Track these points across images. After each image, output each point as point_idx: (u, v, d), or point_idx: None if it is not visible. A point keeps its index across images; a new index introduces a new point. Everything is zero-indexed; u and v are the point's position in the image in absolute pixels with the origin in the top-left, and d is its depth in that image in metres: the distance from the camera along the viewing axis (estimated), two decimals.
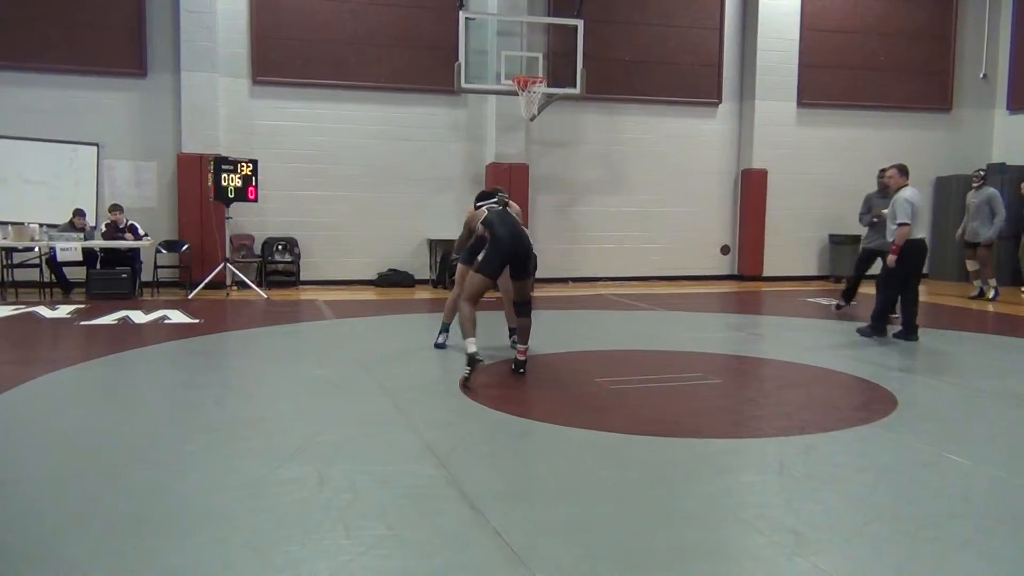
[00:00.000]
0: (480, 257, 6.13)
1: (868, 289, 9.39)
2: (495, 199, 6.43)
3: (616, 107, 13.33)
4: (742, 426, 4.84)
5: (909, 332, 7.62)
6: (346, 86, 12.28)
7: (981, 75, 14.67)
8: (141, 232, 10.80)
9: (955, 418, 5.05)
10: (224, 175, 10.79)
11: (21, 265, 10.67)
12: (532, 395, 5.65)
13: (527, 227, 12.05)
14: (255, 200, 11.12)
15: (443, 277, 12.03)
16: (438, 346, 7.03)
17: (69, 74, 11.32)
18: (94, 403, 5.47)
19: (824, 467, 3.99)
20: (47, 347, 7.50)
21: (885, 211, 8.05)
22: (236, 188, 10.86)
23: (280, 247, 12.13)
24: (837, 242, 13.94)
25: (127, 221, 10.81)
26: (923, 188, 12.32)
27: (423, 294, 11.76)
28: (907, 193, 7.46)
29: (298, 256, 12.18)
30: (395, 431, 4.55)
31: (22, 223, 10.42)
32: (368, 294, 11.70)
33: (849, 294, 9.62)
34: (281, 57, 12.02)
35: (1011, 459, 4.14)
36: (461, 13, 11.33)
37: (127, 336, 7.79)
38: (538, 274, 12.27)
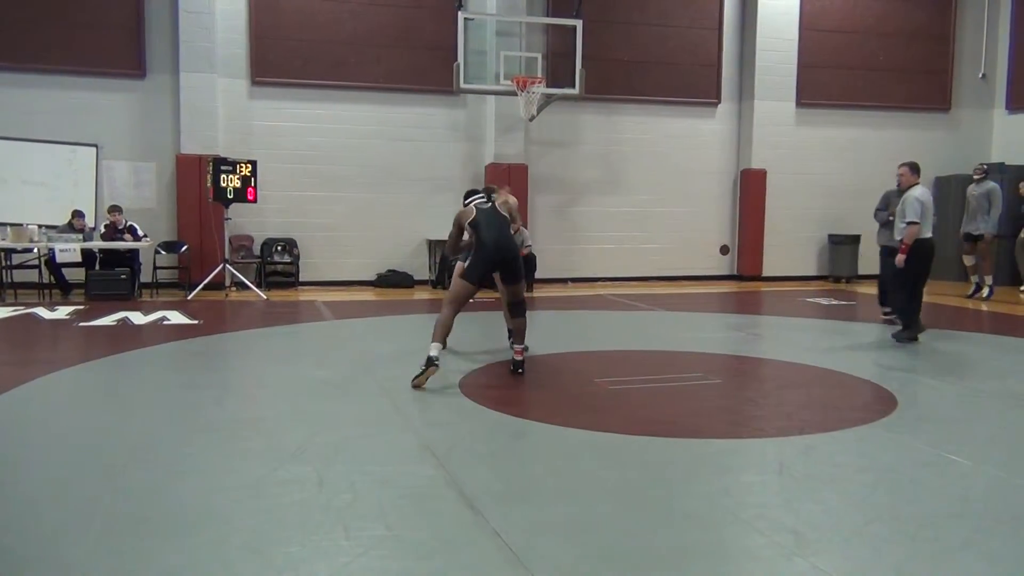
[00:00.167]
0: (466, 263, 6.07)
1: (875, 289, 9.38)
2: (481, 195, 6.34)
3: (615, 107, 13.33)
4: (742, 426, 4.84)
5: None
6: (345, 86, 12.27)
7: (980, 75, 14.68)
8: (140, 233, 10.79)
9: (955, 418, 5.05)
10: (223, 176, 10.79)
11: (20, 266, 10.66)
12: (531, 395, 5.65)
13: (526, 226, 12.20)
14: (254, 201, 11.11)
15: (442, 277, 12.02)
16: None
17: (68, 75, 11.31)
18: (93, 404, 5.46)
19: (824, 467, 3.99)
20: (46, 348, 7.49)
21: None
22: (235, 189, 10.86)
23: (279, 248, 12.13)
24: (836, 242, 13.95)
25: (126, 222, 10.80)
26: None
27: (422, 295, 11.76)
28: (917, 192, 7.40)
29: (297, 257, 12.18)
30: (394, 432, 4.54)
31: (21, 224, 10.40)
32: (367, 295, 11.70)
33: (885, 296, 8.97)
34: (280, 58, 12.02)
35: (1011, 459, 4.14)
36: (460, 13, 11.34)
37: (126, 337, 7.78)
38: (537, 274, 12.40)
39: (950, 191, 13.99)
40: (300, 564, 2.83)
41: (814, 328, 8.85)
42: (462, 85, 11.47)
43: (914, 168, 7.63)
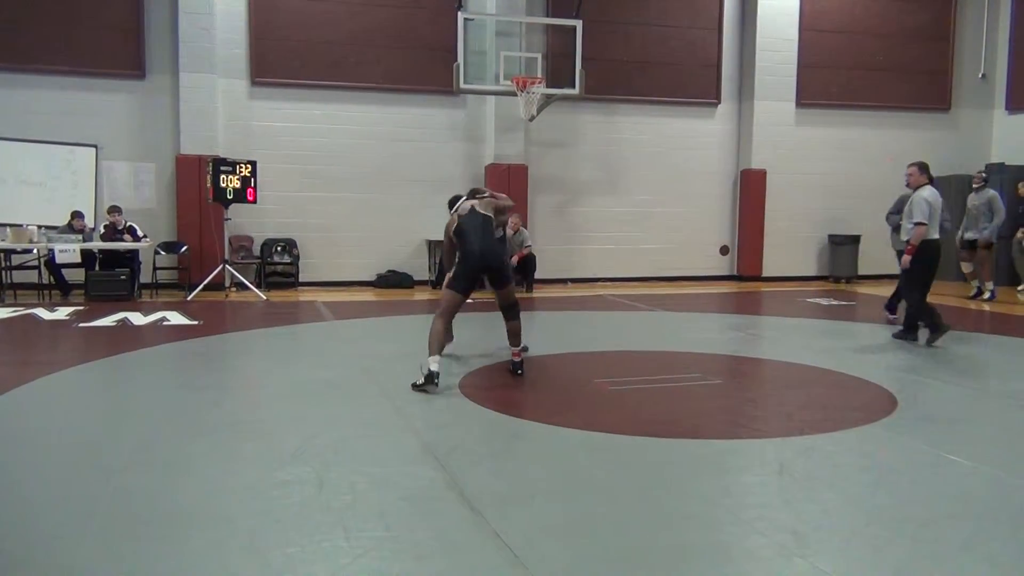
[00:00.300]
0: (451, 274, 6.07)
1: (875, 289, 9.39)
2: (463, 198, 6.29)
3: (615, 107, 13.33)
4: (742, 426, 4.84)
5: (909, 332, 7.61)
6: (345, 87, 12.27)
7: (980, 75, 14.68)
8: (140, 233, 10.79)
9: (955, 418, 5.04)
10: (223, 176, 10.79)
11: (20, 267, 10.66)
12: (531, 396, 5.64)
13: (526, 227, 12.20)
14: (254, 201, 11.11)
15: (442, 278, 11.96)
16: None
17: (67, 75, 11.31)
18: (93, 405, 5.46)
19: (824, 467, 3.99)
20: (46, 349, 7.48)
21: None
22: (235, 189, 10.86)
23: (279, 248, 12.12)
24: (836, 242, 13.95)
25: (126, 222, 10.80)
26: None
27: (422, 295, 11.75)
28: (925, 192, 7.35)
29: (297, 257, 12.18)
30: (394, 433, 4.54)
31: (20, 225, 10.41)
32: (367, 295, 11.69)
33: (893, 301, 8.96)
34: (280, 58, 12.02)
35: (1011, 459, 4.13)
36: (460, 13, 11.34)
37: (126, 338, 7.78)
38: (537, 275, 12.41)
39: (950, 192, 13.96)
40: (300, 565, 2.82)
41: (814, 328, 8.85)
42: (462, 85, 11.47)
43: (923, 168, 7.56)
